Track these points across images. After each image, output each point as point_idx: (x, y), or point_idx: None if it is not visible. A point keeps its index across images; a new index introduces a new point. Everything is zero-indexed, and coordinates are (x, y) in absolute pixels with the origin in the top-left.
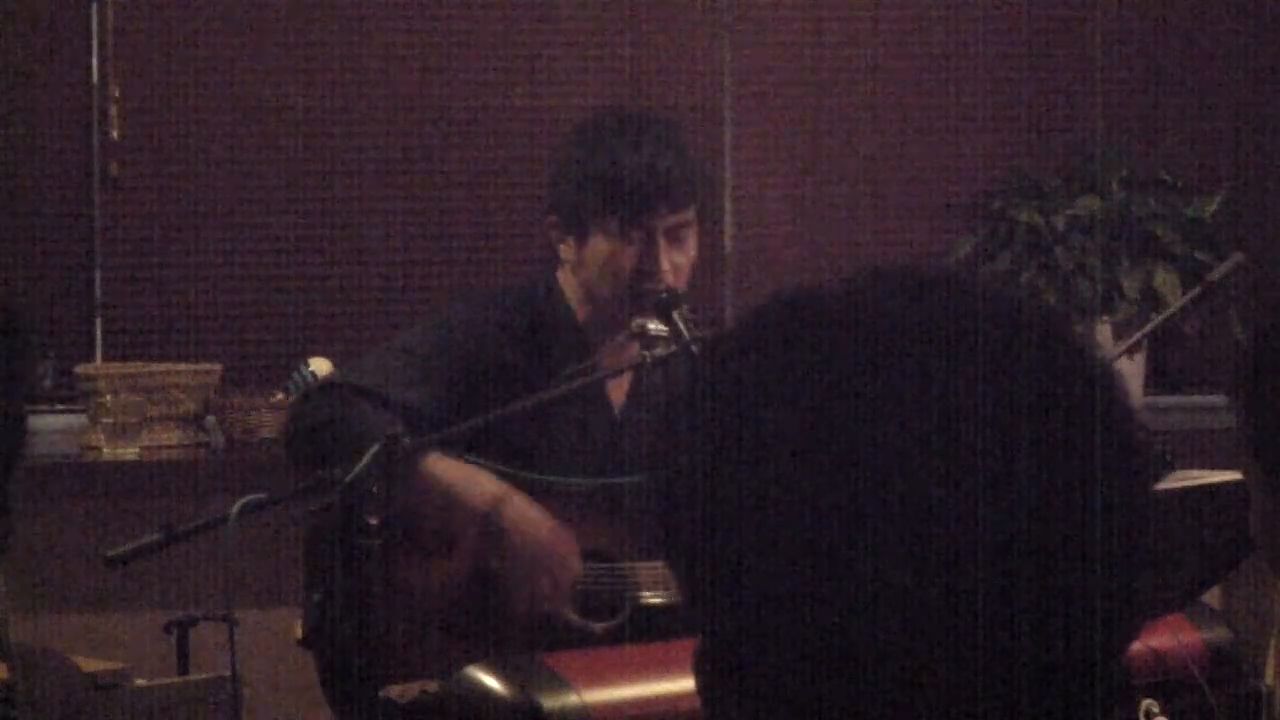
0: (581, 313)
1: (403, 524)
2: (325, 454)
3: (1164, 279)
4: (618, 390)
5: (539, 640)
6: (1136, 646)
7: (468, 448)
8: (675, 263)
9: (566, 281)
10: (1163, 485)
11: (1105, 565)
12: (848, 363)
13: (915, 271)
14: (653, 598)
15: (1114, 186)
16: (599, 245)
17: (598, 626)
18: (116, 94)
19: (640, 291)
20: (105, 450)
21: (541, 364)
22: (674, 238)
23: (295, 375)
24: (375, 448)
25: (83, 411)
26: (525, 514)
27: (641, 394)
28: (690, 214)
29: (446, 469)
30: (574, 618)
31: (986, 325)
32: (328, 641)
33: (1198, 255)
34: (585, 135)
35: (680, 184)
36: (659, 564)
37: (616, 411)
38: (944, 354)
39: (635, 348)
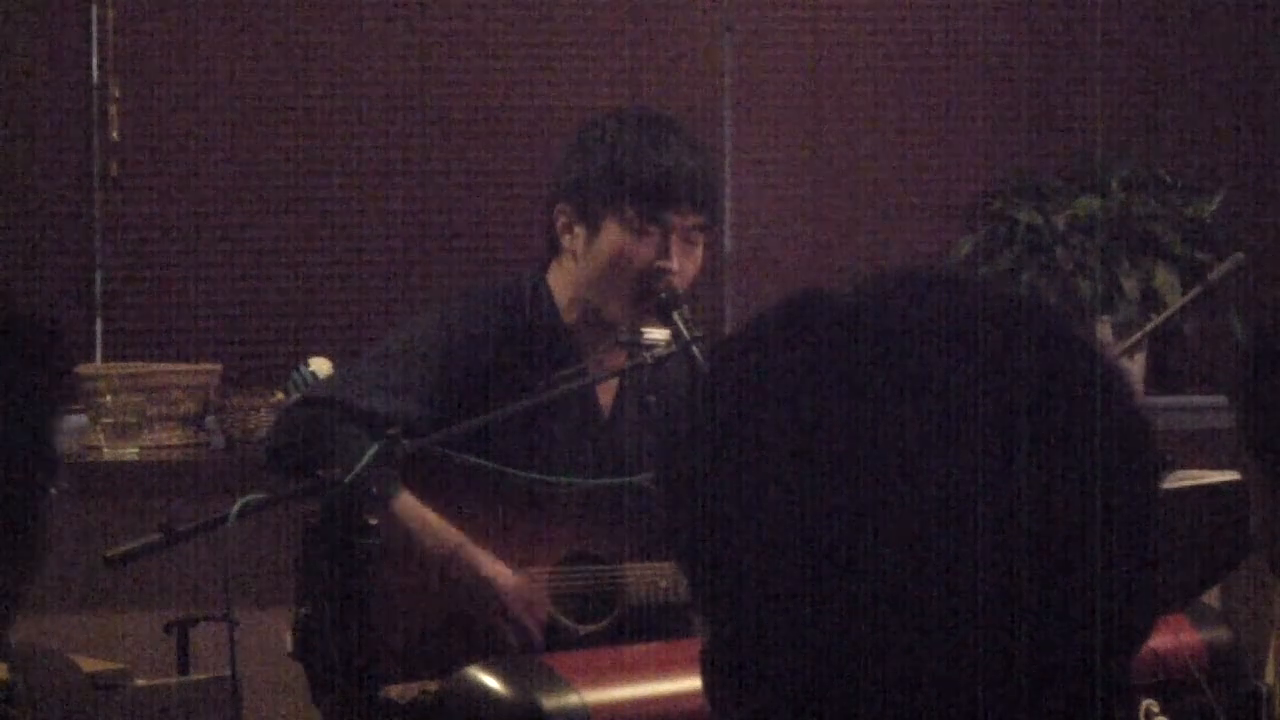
0: (569, 314)
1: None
2: (303, 470)
3: (1164, 279)
4: (606, 392)
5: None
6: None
7: (459, 450)
8: (684, 264)
9: (556, 282)
10: (1163, 485)
11: (1108, 565)
12: (852, 363)
13: (918, 273)
14: (643, 598)
15: (1114, 186)
16: (611, 236)
17: (583, 629)
18: (116, 94)
19: (645, 288)
20: (105, 450)
21: (526, 366)
22: (686, 239)
23: (295, 375)
24: (375, 447)
25: (83, 411)
26: (486, 572)
27: (630, 395)
28: (705, 219)
29: (409, 515)
30: (562, 620)
31: (990, 326)
32: (317, 653)
33: (1198, 255)
34: (609, 127)
35: (702, 187)
36: (650, 564)
37: (606, 413)
38: (948, 355)
39: (624, 351)
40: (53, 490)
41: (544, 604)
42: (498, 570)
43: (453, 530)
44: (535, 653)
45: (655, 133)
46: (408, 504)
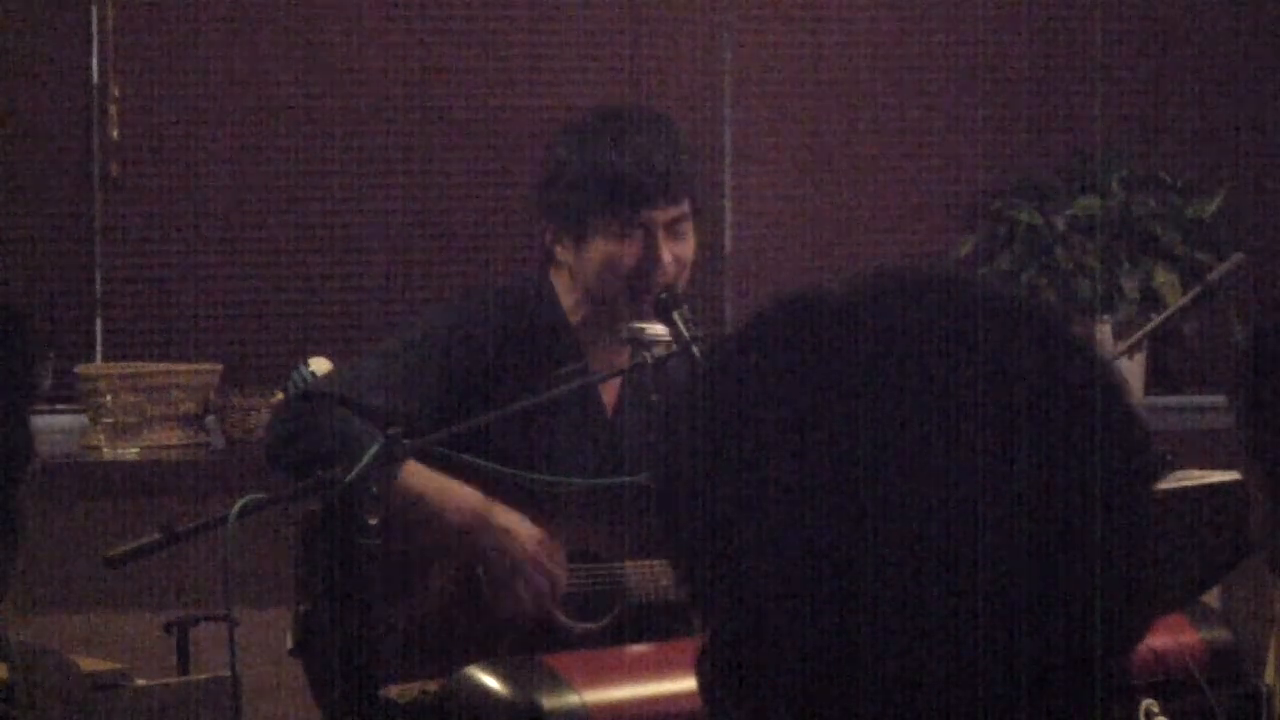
0: (574, 315)
1: (389, 531)
2: (304, 464)
3: (1164, 279)
4: (610, 391)
5: (527, 643)
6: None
7: (461, 449)
8: (676, 255)
9: (559, 282)
10: (1163, 485)
11: (1106, 565)
12: (849, 363)
13: (916, 272)
14: (643, 597)
15: (1114, 186)
16: (598, 245)
17: (580, 627)
18: (116, 94)
19: (641, 288)
20: (105, 450)
21: (531, 366)
22: (672, 232)
23: (295, 375)
24: (375, 447)
25: (83, 411)
26: (509, 524)
27: (633, 394)
28: (686, 207)
29: (421, 481)
30: (561, 618)
31: (987, 325)
32: (317, 650)
33: (1198, 255)
34: (575, 136)
35: (675, 177)
36: (650, 564)
37: (609, 412)
38: (944, 354)
39: (627, 351)
40: (29, 468)
41: (563, 561)
42: (519, 522)
43: (468, 488)
44: (539, 644)
45: (619, 134)
46: (416, 470)
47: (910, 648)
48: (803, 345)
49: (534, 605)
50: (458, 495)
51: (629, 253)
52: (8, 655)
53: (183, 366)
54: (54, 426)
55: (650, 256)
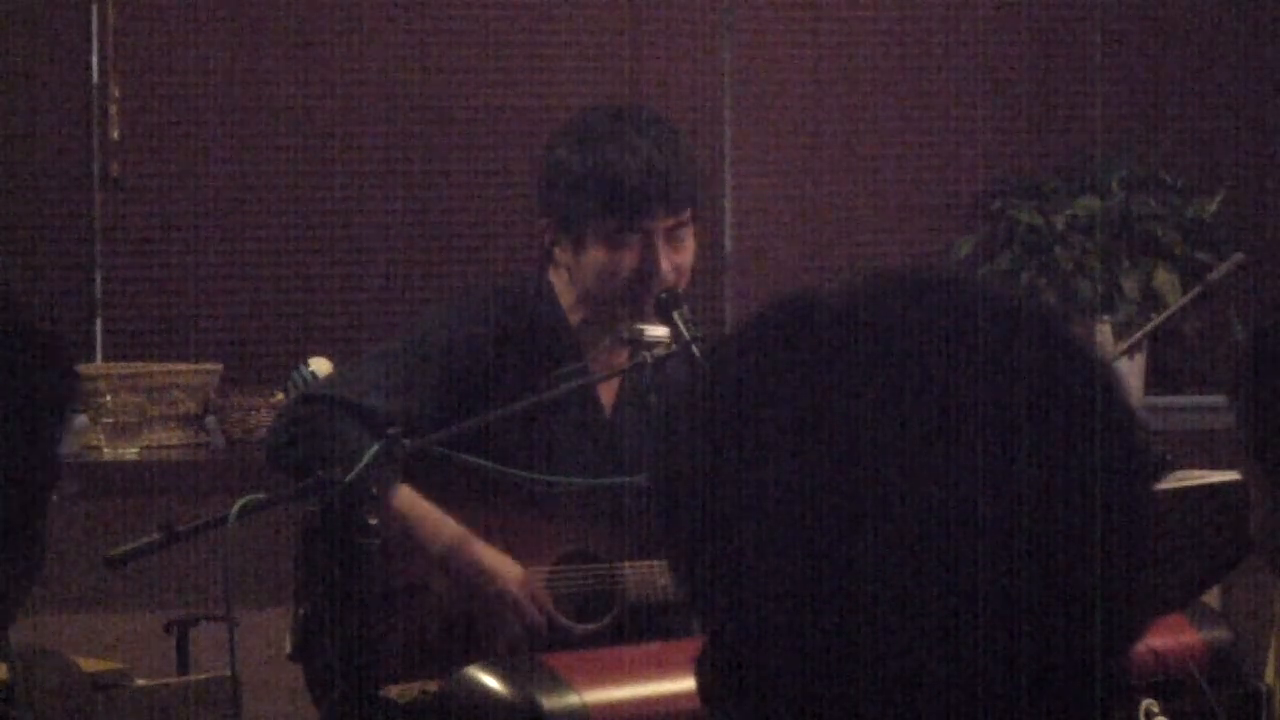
0: (573, 315)
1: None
2: (305, 466)
3: (1164, 279)
4: (608, 391)
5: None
6: (1136, 646)
7: (461, 450)
8: (675, 263)
9: (559, 282)
10: (1163, 485)
11: (1106, 565)
12: (848, 364)
13: (915, 274)
14: (643, 597)
15: (1114, 186)
16: (596, 250)
17: (579, 628)
18: (116, 94)
19: (639, 293)
20: (105, 450)
21: (530, 365)
22: (672, 238)
23: (295, 375)
24: (375, 447)
25: (83, 411)
26: (489, 565)
27: (632, 394)
28: (687, 215)
29: (408, 509)
30: (561, 619)
31: (986, 326)
32: (316, 654)
33: (1198, 255)
34: (576, 137)
35: (676, 186)
36: (650, 564)
37: (608, 412)
38: (943, 355)
39: (626, 351)
40: (54, 494)
41: (546, 596)
42: (500, 561)
43: (453, 523)
44: (537, 647)
45: (622, 138)
46: (407, 498)
47: (910, 648)
48: (802, 346)
49: (516, 636)
50: (438, 530)
51: (627, 260)
52: (8, 655)
53: (183, 366)
54: None
55: (649, 264)
